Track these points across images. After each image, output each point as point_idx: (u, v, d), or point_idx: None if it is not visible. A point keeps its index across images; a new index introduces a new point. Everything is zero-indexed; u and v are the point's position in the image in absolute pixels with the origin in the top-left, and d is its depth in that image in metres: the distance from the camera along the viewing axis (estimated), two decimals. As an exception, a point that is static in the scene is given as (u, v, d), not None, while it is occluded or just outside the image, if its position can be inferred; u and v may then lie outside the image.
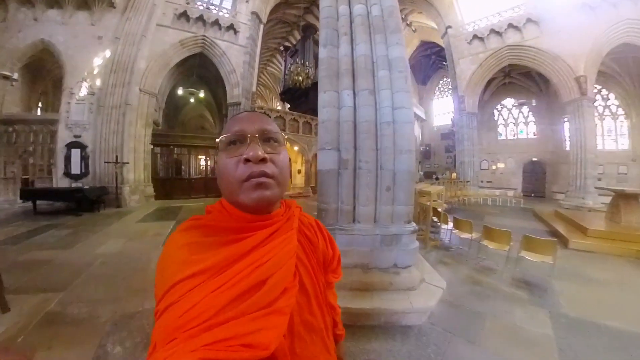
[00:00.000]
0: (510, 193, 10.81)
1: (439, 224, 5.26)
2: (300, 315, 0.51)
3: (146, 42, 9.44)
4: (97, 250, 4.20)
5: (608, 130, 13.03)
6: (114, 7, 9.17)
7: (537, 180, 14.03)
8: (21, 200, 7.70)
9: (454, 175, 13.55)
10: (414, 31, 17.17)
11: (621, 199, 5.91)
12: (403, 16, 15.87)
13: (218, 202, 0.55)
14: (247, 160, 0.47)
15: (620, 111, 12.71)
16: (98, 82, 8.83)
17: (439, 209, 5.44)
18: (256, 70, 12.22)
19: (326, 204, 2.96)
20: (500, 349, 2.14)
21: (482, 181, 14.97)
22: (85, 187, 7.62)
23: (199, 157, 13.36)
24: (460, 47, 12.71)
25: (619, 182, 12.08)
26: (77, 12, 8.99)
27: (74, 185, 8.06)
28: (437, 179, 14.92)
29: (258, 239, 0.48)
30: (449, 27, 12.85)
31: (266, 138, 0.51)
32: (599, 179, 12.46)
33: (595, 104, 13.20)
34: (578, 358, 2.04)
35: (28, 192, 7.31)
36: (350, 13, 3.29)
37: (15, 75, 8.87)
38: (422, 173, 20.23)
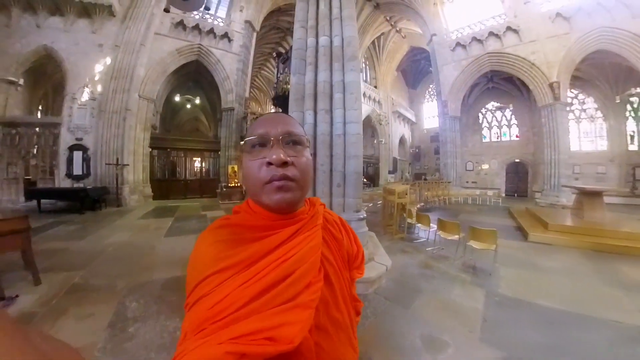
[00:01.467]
0: (490, 192, 11.52)
1: (407, 220, 5.88)
2: (327, 311, 0.52)
3: (145, 50, 10.03)
4: (107, 240, 4.82)
5: (585, 133, 13.83)
6: (114, 16, 9.71)
7: (520, 180, 14.79)
8: (23, 200, 8.25)
9: (435, 176, 14.30)
10: (404, 37, 17.90)
11: (584, 196, 6.52)
12: (392, 23, 16.64)
13: (245, 202, 0.57)
14: (269, 164, 0.49)
15: (599, 114, 13.51)
16: (99, 88, 9.40)
17: (412, 208, 6.06)
18: (249, 77, 12.93)
19: None
20: (428, 314, 2.63)
21: (467, 182, 15.74)
22: (88, 187, 8.20)
23: (194, 159, 14.00)
24: (444, 54, 13.48)
25: (597, 181, 12.83)
26: (78, 20, 9.48)
27: (75, 185, 8.62)
28: (425, 179, 15.62)
29: (284, 236, 0.49)
30: (434, 34, 13.59)
31: (289, 141, 0.52)
32: (576, 179, 13.25)
33: (573, 107, 14.05)
34: (498, 326, 2.44)
35: (33, 192, 7.84)
36: (317, 43, 3.98)
37: (21, 81, 9.41)
38: (407, 175, 20.95)
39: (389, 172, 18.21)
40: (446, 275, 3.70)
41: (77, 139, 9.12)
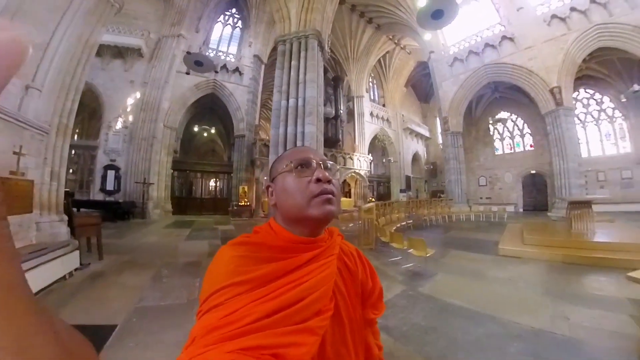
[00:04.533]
0: (495, 209, 11.52)
1: (381, 238, 6.29)
2: (332, 344, 0.53)
3: (168, 86, 12.34)
4: (141, 240, 6.61)
5: (607, 134, 13.34)
6: (142, 57, 12.20)
7: (539, 193, 14.33)
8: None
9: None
10: (409, 53, 19.04)
11: (573, 207, 6.55)
12: (396, 41, 17.96)
13: (266, 224, 0.62)
14: (318, 180, 0.57)
15: (618, 113, 13.01)
16: (130, 118, 11.72)
17: (387, 228, 6.69)
18: (258, 106, 14.90)
19: (272, 212, 5.59)
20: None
21: (481, 197, 15.72)
22: (120, 201, 10.27)
23: (209, 180, 16.02)
24: (442, 70, 14.30)
25: (623, 187, 12.35)
26: (114, 60, 11.97)
27: (107, 199, 10.72)
28: (440, 196, 15.55)
29: (300, 261, 0.53)
30: (432, 52, 14.56)
31: (325, 165, 0.61)
32: (602, 187, 12.80)
33: (590, 108, 13.74)
34: (394, 309, 2.95)
35: (77, 202, 9.70)
36: (288, 104, 5.61)
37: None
38: (425, 193, 20.88)
39: (401, 191, 18.43)
40: (384, 274, 4.30)
41: (111, 160, 11.40)
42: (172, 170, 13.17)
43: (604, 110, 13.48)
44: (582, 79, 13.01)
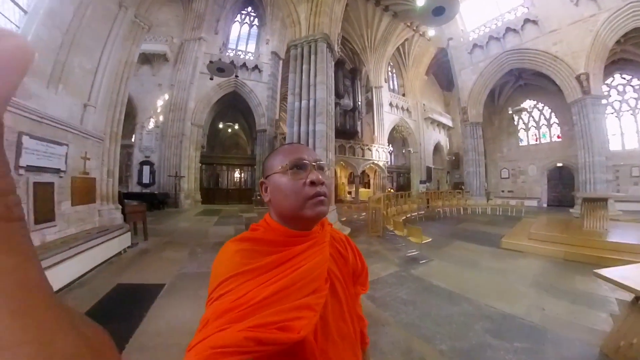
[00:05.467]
0: (513, 202, 11.51)
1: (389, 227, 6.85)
2: (334, 322, 0.64)
3: (193, 87, 13.62)
4: (177, 225, 8.12)
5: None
6: (168, 61, 13.55)
7: (565, 187, 13.76)
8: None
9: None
10: (429, 40, 18.67)
11: (586, 203, 6.47)
12: (414, 28, 17.78)
13: (263, 220, 0.71)
14: (312, 183, 0.63)
15: None
16: (161, 118, 13.20)
17: (396, 219, 7.20)
18: (278, 101, 15.80)
19: None
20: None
21: (502, 191, 15.54)
22: (155, 192, 11.91)
23: (234, 172, 17.53)
24: (461, 58, 14.15)
25: (634, 184, 11.88)
26: (142, 66, 13.24)
27: (144, 191, 12.34)
28: (461, 188, 15.19)
29: (297, 251, 0.62)
30: (450, 38, 14.42)
31: (319, 166, 0.67)
32: (636, 183, 12.25)
33: (627, 96, 12.86)
34: (384, 284, 3.59)
35: (124, 195, 11.77)
36: (300, 106, 6.49)
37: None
38: (446, 184, 20.72)
39: (421, 182, 18.60)
40: (384, 258, 5.10)
41: (145, 157, 13.06)
42: (200, 164, 14.73)
43: None
44: (618, 63, 12.25)
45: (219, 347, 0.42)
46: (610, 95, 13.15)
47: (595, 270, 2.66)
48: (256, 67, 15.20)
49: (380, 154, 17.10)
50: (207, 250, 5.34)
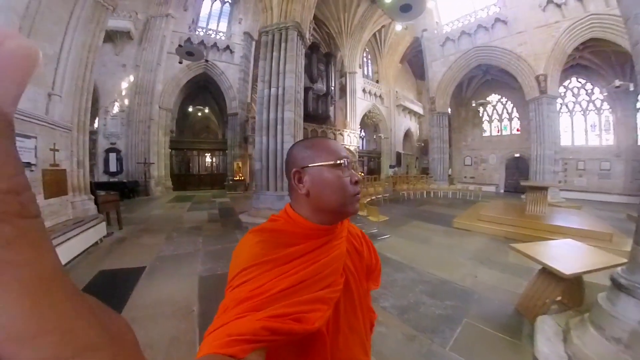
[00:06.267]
0: (472, 187, 12.94)
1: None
2: (346, 316, 0.69)
3: (161, 68, 13.11)
4: (150, 213, 8.23)
5: (592, 125, 14.22)
6: (132, 39, 12.76)
7: (521, 176, 15.14)
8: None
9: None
10: (405, 28, 19.15)
11: (528, 190, 7.59)
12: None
13: (283, 211, 0.73)
14: (356, 182, 0.69)
15: (606, 105, 13.77)
16: (126, 102, 12.62)
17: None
18: (250, 84, 15.64)
19: (259, 183, 6.87)
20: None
21: (465, 177, 17.07)
22: (125, 181, 11.74)
23: (205, 157, 17.37)
24: (433, 49, 14.94)
25: (600, 178, 13.55)
26: (104, 44, 11.68)
27: (111, 180, 12.04)
28: (428, 173, 16.56)
29: (316, 244, 0.65)
30: (424, 30, 15.10)
31: (352, 165, 0.72)
32: (580, 175, 14.05)
33: (580, 99, 14.54)
34: None
35: (92, 184, 11.47)
36: (270, 93, 6.78)
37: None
38: (415, 169, 22.18)
39: (391, 167, 19.71)
40: None
41: (111, 144, 12.61)
42: (170, 150, 14.52)
43: (593, 102, 14.21)
44: (575, 67, 13.63)
45: (235, 335, 0.44)
46: (566, 96, 14.70)
47: (511, 245, 3.39)
48: (228, 47, 14.89)
49: (352, 139, 17.68)
50: (182, 235, 5.74)
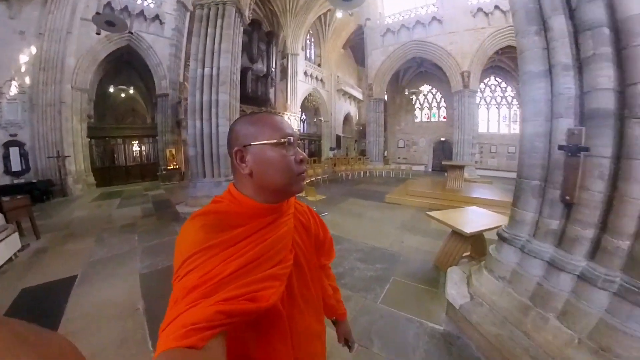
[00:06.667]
0: (404, 167, 14.85)
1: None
2: (299, 289, 0.73)
3: (73, 38, 10.94)
4: (72, 215, 7.08)
5: (503, 117, 17.09)
6: None
7: (445, 157, 17.45)
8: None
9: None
10: (351, 15, 19.52)
11: (449, 169, 8.81)
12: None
13: (227, 192, 0.73)
14: (302, 161, 0.69)
15: (515, 102, 16.58)
16: (27, 80, 10.34)
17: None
18: (183, 61, 14.22)
19: (194, 170, 6.61)
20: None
21: (399, 158, 19.10)
22: (34, 181, 9.68)
23: (132, 145, 15.52)
24: (374, 39, 15.79)
25: (508, 159, 16.26)
26: None
27: (16, 181, 9.76)
28: (366, 155, 18.20)
29: (263, 223, 0.66)
30: (368, 19, 15.76)
31: (297, 143, 0.72)
32: (493, 157, 16.73)
33: (496, 94, 17.14)
34: None
35: None
36: (203, 73, 6.39)
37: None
38: (354, 151, 23.59)
39: (331, 149, 20.65)
40: None
41: (11, 135, 10.07)
42: (88, 139, 12.57)
43: (506, 98, 16.99)
44: (495, 68, 15.97)
45: (190, 325, 0.44)
46: (485, 91, 17.33)
47: (427, 213, 4.05)
48: (157, 17, 13.15)
49: (292, 122, 17.82)
50: (114, 235, 5.32)
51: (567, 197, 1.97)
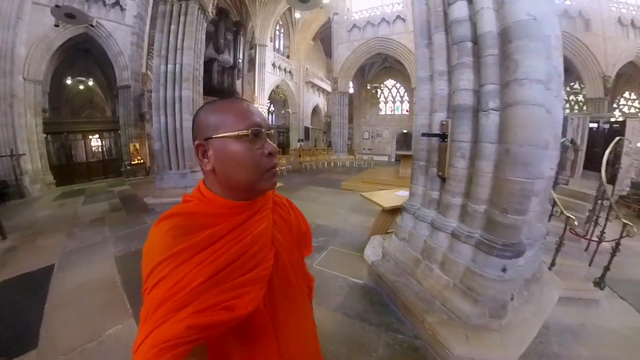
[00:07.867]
0: (366, 157, 15.91)
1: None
2: (283, 289, 0.67)
3: (23, 24, 10.24)
4: (36, 215, 6.77)
5: None
6: None
7: (407, 147, 18.73)
8: None
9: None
10: (321, 7, 19.87)
11: (403, 158, 9.57)
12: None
13: (196, 190, 0.66)
14: (270, 154, 0.61)
15: None
16: (-28, 72, 9.85)
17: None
18: (145, 50, 13.87)
19: (160, 163, 6.94)
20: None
21: (364, 148, 20.38)
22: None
23: (93, 140, 14.92)
24: (341, 33, 16.49)
25: None
26: None
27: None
28: (329, 146, 19.12)
29: (238, 221, 0.60)
30: (335, 13, 16.38)
31: (270, 133, 0.64)
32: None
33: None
34: None
35: None
36: (167, 70, 6.74)
37: None
38: (323, 143, 24.35)
39: (299, 140, 21.19)
40: None
41: None
42: (44, 135, 11.94)
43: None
44: None
45: (161, 344, 0.42)
46: None
47: (361, 193, 4.55)
48: (117, 3, 12.60)
49: None
50: (85, 228, 5.48)
51: (440, 173, 2.56)
